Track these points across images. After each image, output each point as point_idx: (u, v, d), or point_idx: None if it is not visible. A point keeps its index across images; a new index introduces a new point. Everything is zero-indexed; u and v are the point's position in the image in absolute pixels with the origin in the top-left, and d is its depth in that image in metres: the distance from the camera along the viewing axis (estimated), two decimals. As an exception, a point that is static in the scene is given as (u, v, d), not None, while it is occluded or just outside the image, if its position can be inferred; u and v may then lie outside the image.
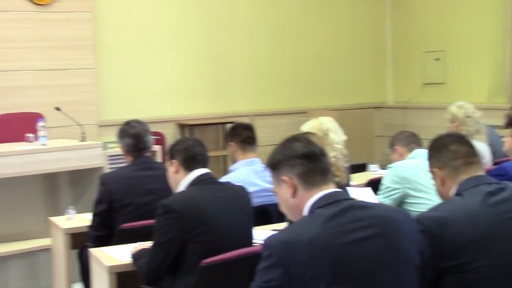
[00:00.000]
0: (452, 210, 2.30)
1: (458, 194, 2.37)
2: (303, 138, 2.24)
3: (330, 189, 2.12)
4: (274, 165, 2.19)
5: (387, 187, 3.75)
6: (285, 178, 2.14)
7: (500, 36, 7.44)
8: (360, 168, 5.90)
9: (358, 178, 5.24)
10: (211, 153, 7.43)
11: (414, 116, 8.47)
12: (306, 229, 1.98)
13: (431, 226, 2.24)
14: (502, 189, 2.34)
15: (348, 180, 4.51)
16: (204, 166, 3.10)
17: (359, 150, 7.66)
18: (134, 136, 3.82)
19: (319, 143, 3.12)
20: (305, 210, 2.10)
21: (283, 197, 2.17)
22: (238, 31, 8.14)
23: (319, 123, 4.32)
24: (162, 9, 7.77)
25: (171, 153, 3.16)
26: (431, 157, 2.56)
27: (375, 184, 4.26)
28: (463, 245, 2.22)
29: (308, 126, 4.32)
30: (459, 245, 2.22)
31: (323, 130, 4.26)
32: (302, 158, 2.13)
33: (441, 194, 2.52)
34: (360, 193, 4.22)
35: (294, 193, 2.13)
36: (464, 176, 2.41)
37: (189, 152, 3.10)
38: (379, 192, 3.85)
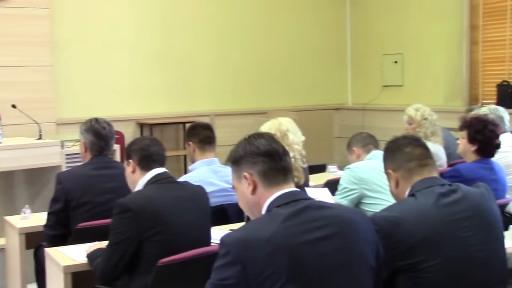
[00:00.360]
0: (405, 210, 2.33)
1: (411, 195, 2.41)
2: (268, 136, 2.22)
3: (290, 188, 2.13)
4: (236, 160, 2.19)
5: (344, 188, 3.78)
6: (246, 174, 2.14)
7: (456, 39, 7.58)
8: (319, 168, 5.95)
9: (317, 178, 5.29)
10: (171, 153, 7.58)
11: (373, 118, 8.57)
12: (264, 227, 1.98)
13: (385, 226, 2.27)
14: (454, 191, 2.39)
15: (307, 180, 4.55)
16: (161, 165, 3.09)
17: (318, 151, 7.72)
18: (102, 138, 3.76)
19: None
20: (264, 209, 2.11)
21: (243, 193, 2.17)
22: (199, 31, 8.12)
23: (278, 124, 4.34)
24: (123, 6, 7.71)
25: (128, 153, 3.13)
26: (386, 159, 2.60)
27: (333, 185, 4.30)
28: (416, 245, 2.26)
29: (267, 127, 4.34)
30: (412, 244, 2.26)
31: (282, 130, 4.29)
32: (264, 156, 2.12)
33: (395, 195, 2.56)
34: (317, 194, 4.26)
35: (254, 190, 2.13)
36: (418, 178, 2.45)
37: (146, 152, 3.08)
38: (336, 193, 3.88)
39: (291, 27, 8.71)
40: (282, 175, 2.13)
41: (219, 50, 8.24)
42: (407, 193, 2.45)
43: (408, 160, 2.49)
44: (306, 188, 4.40)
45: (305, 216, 2.03)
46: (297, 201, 2.08)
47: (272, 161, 2.13)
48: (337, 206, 2.23)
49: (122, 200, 2.87)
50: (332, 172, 5.62)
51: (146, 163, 3.06)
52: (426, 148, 2.55)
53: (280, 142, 2.24)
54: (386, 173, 2.58)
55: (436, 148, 5.30)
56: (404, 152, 2.51)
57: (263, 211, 2.11)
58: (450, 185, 2.42)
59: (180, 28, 8.00)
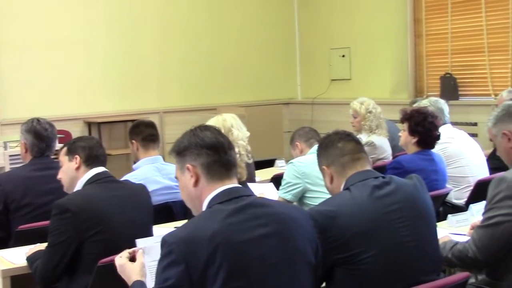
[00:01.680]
0: (340, 204, 2.36)
1: (346, 188, 2.44)
2: (214, 129, 2.21)
3: (232, 184, 2.12)
4: (180, 151, 2.17)
5: (288, 183, 3.81)
6: (189, 166, 2.12)
7: (401, 34, 7.69)
8: (268, 163, 5.98)
9: (265, 173, 5.32)
10: (120, 151, 7.52)
11: (322, 112, 8.65)
12: (206, 225, 1.97)
13: (321, 220, 2.30)
14: (387, 183, 2.43)
15: (252, 176, 4.58)
16: (103, 165, 3.07)
17: (268, 145, 7.76)
18: (43, 139, 3.70)
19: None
20: (205, 204, 2.10)
21: (185, 184, 2.16)
22: (147, 28, 8.06)
23: (222, 120, 4.34)
24: (69, 4, 7.59)
25: (72, 148, 3.06)
26: (320, 156, 2.62)
27: (278, 180, 4.32)
28: (352, 238, 2.29)
29: (211, 123, 4.33)
30: (348, 237, 2.29)
31: (226, 126, 4.29)
32: (209, 149, 2.11)
33: (330, 190, 2.59)
34: (262, 189, 4.28)
35: (196, 183, 2.11)
36: (351, 172, 2.48)
37: (94, 151, 3.04)
38: (280, 188, 3.91)
39: (239, 22, 8.71)
40: (226, 169, 2.12)
41: (167, 47, 8.20)
42: (342, 187, 2.48)
43: (341, 155, 2.52)
44: (252, 184, 4.43)
45: (247, 213, 2.04)
46: (238, 198, 2.08)
47: (216, 155, 2.11)
48: (278, 204, 2.24)
49: (60, 201, 2.83)
50: (280, 166, 5.65)
51: (92, 162, 3.03)
52: (358, 143, 2.58)
53: (227, 136, 2.24)
54: (321, 169, 2.61)
55: (381, 141, 5.39)
56: (336, 147, 2.54)
57: (204, 206, 2.10)
58: (383, 177, 2.46)
59: (127, 25, 7.92)
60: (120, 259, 2.34)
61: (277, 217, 2.09)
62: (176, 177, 2.23)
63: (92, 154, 3.03)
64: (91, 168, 3.01)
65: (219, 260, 1.91)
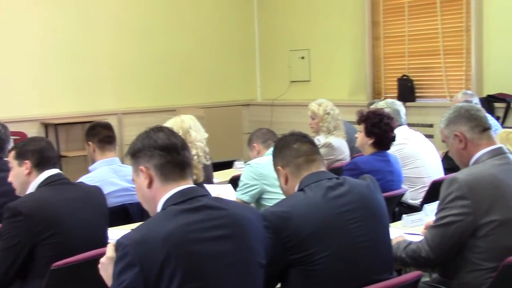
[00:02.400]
0: (294, 205, 2.38)
1: (300, 189, 2.46)
2: (167, 130, 2.21)
3: (187, 185, 2.12)
4: (134, 153, 2.17)
5: (245, 184, 3.82)
6: (142, 168, 2.12)
7: (360, 36, 7.78)
8: (228, 165, 5.99)
9: (223, 175, 5.32)
10: (77, 153, 7.42)
11: (282, 113, 8.69)
12: (160, 226, 1.97)
13: (275, 221, 2.31)
14: (341, 184, 2.45)
15: (210, 177, 4.57)
16: (56, 167, 3.02)
17: (227, 147, 7.76)
18: None
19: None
20: (160, 205, 2.10)
21: (140, 186, 2.16)
22: (105, 29, 7.98)
23: (180, 121, 4.34)
24: (25, 3, 7.46)
25: (21, 152, 3.01)
26: (275, 156, 2.64)
27: (237, 181, 4.32)
28: (305, 238, 2.31)
29: (169, 124, 4.32)
30: (302, 238, 2.31)
31: (184, 128, 4.29)
32: (161, 150, 2.11)
33: (285, 191, 2.61)
34: (220, 190, 4.28)
35: (150, 184, 2.11)
36: (306, 173, 2.49)
37: (45, 154, 2.99)
38: (237, 189, 3.91)
39: (199, 23, 8.69)
40: (179, 170, 2.12)
41: (126, 48, 8.13)
42: (296, 188, 2.49)
43: (296, 156, 2.53)
44: (210, 185, 4.42)
45: (202, 214, 2.04)
46: (193, 199, 2.07)
47: (169, 155, 2.11)
48: (232, 204, 2.24)
49: (12, 203, 2.79)
50: (239, 168, 5.65)
51: (44, 165, 2.98)
52: (313, 144, 2.60)
53: (181, 136, 2.23)
54: (276, 169, 2.62)
55: (339, 142, 5.43)
56: (292, 148, 2.56)
57: (159, 207, 2.10)
58: (337, 178, 2.49)
59: (85, 25, 7.83)
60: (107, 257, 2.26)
61: (232, 218, 2.09)
62: (132, 179, 2.22)
63: (42, 158, 2.98)
64: (43, 171, 2.96)
65: (174, 262, 1.91)
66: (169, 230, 1.95)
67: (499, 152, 2.78)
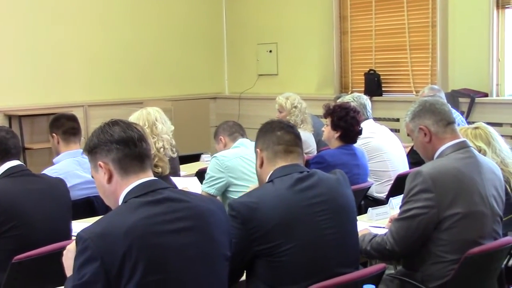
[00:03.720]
0: (262, 195, 2.38)
1: (270, 181, 2.46)
2: (123, 123, 2.18)
3: (148, 177, 2.11)
4: (91, 149, 2.14)
5: (211, 177, 3.80)
6: (100, 163, 2.10)
7: (327, 30, 7.79)
8: (195, 158, 5.97)
9: (190, 168, 5.30)
10: (42, 145, 7.30)
11: (249, 106, 8.68)
12: (121, 219, 1.95)
13: (243, 211, 2.31)
14: (311, 176, 2.46)
15: (177, 170, 4.55)
16: (17, 158, 2.97)
17: (195, 140, 7.73)
18: None
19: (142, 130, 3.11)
20: (121, 199, 2.08)
21: (100, 182, 2.14)
22: (72, 20, 7.85)
23: (146, 113, 4.29)
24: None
25: None
26: (258, 138, 2.63)
27: (203, 174, 4.31)
28: (273, 229, 2.31)
29: (135, 117, 4.28)
30: (269, 229, 2.31)
31: (150, 120, 4.25)
32: (118, 143, 2.09)
33: (258, 174, 2.60)
34: (186, 183, 4.27)
35: (110, 179, 2.09)
36: (281, 162, 2.49)
37: (3, 145, 2.95)
38: (203, 182, 3.90)
39: (167, 15, 8.62)
40: (138, 162, 2.10)
41: (93, 39, 8.02)
42: (268, 176, 2.49)
43: (277, 143, 2.53)
44: (176, 178, 4.40)
45: (164, 207, 2.02)
46: (155, 192, 2.06)
47: (127, 148, 2.09)
48: (195, 196, 2.23)
49: (-29, 196, 2.74)
50: (206, 161, 5.62)
51: (3, 157, 2.93)
52: (298, 137, 2.59)
53: (137, 128, 2.20)
54: (255, 151, 2.61)
55: (306, 136, 5.45)
56: (275, 134, 2.55)
57: (120, 201, 2.08)
58: (308, 171, 2.49)
59: (50, 15, 7.70)
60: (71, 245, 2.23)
61: (195, 210, 2.08)
62: (92, 176, 2.20)
63: (1, 150, 2.92)
64: (3, 162, 2.91)
65: (135, 255, 1.89)
66: (131, 223, 1.93)
67: (462, 146, 2.81)
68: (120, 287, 1.88)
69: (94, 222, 2.02)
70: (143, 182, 2.08)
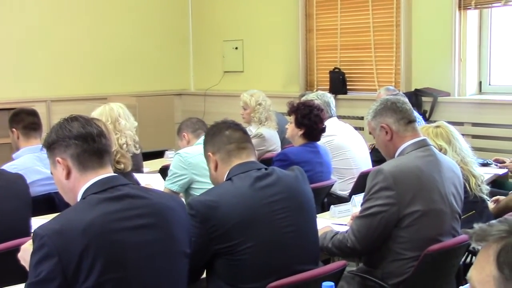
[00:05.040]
0: (222, 194, 2.37)
1: (228, 179, 2.45)
2: (82, 118, 2.16)
3: (107, 173, 2.09)
4: (49, 145, 2.12)
5: (174, 173, 3.78)
6: (59, 159, 2.08)
7: (293, 28, 7.81)
8: (159, 154, 5.94)
9: (154, 164, 5.27)
10: (2, 140, 7.15)
11: (214, 103, 8.66)
12: (80, 216, 1.93)
13: (202, 210, 2.30)
14: (269, 174, 2.46)
15: (140, 166, 4.52)
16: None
17: (159, 136, 7.68)
18: None
19: (104, 128, 3.08)
20: (79, 195, 2.06)
21: (58, 178, 2.12)
22: (34, 14, 7.72)
23: (109, 109, 4.27)
24: None
25: None
26: (206, 143, 2.62)
27: (167, 171, 4.29)
28: (231, 228, 2.30)
29: (97, 113, 4.26)
30: (228, 228, 2.30)
31: (113, 116, 4.23)
32: (77, 139, 2.07)
33: (214, 178, 2.59)
34: (149, 180, 4.24)
35: (68, 175, 2.07)
36: (236, 161, 2.49)
37: None
38: (166, 179, 3.87)
39: (132, 11, 8.54)
40: (97, 158, 2.08)
41: (56, 33, 7.90)
42: (225, 176, 2.48)
43: (228, 142, 2.52)
44: (139, 174, 4.37)
45: (123, 204, 2.01)
46: (114, 188, 2.04)
47: (85, 144, 2.07)
48: (155, 193, 2.22)
49: None
50: (170, 158, 5.59)
51: None
52: (245, 133, 2.60)
53: (97, 124, 2.19)
54: (206, 156, 2.60)
55: (270, 133, 5.46)
56: (223, 135, 2.55)
57: (79, 198, 2.06)
58: (266, 169, 2.49)
59: (13, 8, 7.57)
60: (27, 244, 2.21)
61: (155, 207, 2.07)
62: (51, 172, 2.17)
63: None
64: None
65: (93, 252, 1.87)
66: (89, 219, 1.91)
67: (423, 144, 2.85)
68: (77, 285, 1.86)
69: (52, 219, 1.99)
70: (102, 178, 2.06)
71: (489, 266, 1.00)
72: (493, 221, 1.05)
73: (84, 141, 2.08)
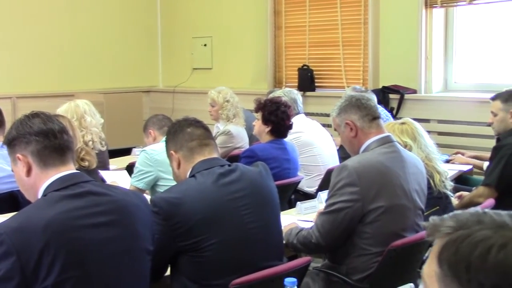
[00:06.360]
0: (185, 191, 2.36)
1: (192, 176, 2.44)
2: (43, 115, 2.13)
3: (69, 170, 2.06)
4: (10, 142, 2.09)
5: (140, 171, 3.76)
6: (19, 155, 2.05)
7: (262, 25, 7.81)
8: (126, 152, 5.90)
9: (121, 161, 5.23)
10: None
11: (183, 100, 8.62)
12: (40, 214, 1.91)
13: (165, 207, 2.29)
14: (233, 170, 2.46)
15: (105, 163, 4.48)
16: None
17: (127, 134, 7.62)
18: None
19: (69, 124, 3.05)
20: (40, 192, 2.03)
21: (19, 176, 2.09)
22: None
23: (75, 106, 4.24)
24: None
25: None
26: (168, 141, 2.61)
27: (133, 168, 4.26)
28: (195, 225, 2.30)
29: (63, 109, 4.22)
30: (192, 225, 2.30)
31: (79, 113, 4.19)
32: (38, 135, 2.04)
33: (177, 176, 2.58)
34: (115, 177, 4.21)
35: (29, 172, 2.05)
36: (199, 157, 2.48)
37: None
38: (132, 176, 3.85)
39: (99, 7, 8.45)
40: (58, 155, 2.06)
41: (22, 29, 7.79)
42: (188, 174, 2.48)
43: (190, 139, 2.52)
44: (105, 171, 4.34)
45: (85, 201, 1.99)
46: (76, 185, 2.02)
47: (46, 140, 2.05)
48: (118, 190, 2.20)
49: None
50: (137, 155, 5.54)
51: None
52: (207, 130, 2.60)
53: (59, 120, 2.16)
54: (168, 154, 2.59)
55: (238, 130, 5.46)
56: (185, 132, 2.54)
57: (40, 195, 2.03)
58: (229, 165, 2.49)
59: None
60: None
61: (117, 204, 2.06)
62: (12, 170, 2.14)
63: None
64: None
65: (54, 250, 1.85)
66: (50, 217, 1.89)
67: (387, 141, 2.87)
68: (37, 283, 1.84)
69: (11, 217, 1.96)
70: (63, 175, 2.04)
71: (433, 261, 1.02)
72: (445, 216, 1.06)
73: (45, 138, 2.05)
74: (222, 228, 2.33)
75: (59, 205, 1.94)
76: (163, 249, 2.28)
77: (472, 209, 1.06)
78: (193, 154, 2.49)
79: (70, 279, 1.88)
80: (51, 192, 2.00)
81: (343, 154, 4.84)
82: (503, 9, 6.18)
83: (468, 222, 1.01)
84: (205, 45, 8.49)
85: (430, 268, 1.02)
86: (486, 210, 1.05)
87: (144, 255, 2.10)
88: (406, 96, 6.47)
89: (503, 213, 1.02)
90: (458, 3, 6.32)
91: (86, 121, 4.17)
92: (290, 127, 4.20)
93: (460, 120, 6.16)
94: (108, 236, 1.98)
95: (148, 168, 3.72)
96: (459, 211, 1.06)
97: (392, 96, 6.57)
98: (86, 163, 3.54)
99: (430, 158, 3.53)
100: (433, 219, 1.07)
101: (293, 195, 4.30)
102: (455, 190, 3.76)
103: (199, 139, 2.51)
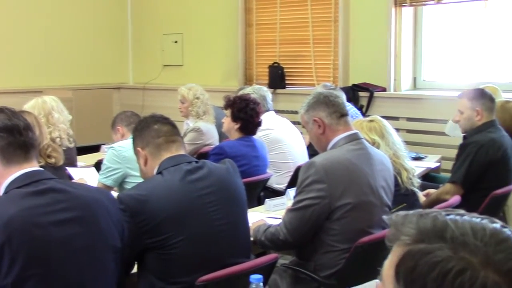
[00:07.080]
0: (152, 188, 2.35)
1: (159, 173, 2.43)
2: (8, 111, 2.11)
3: (31, 167, 2.04)
4: None
5: (108, 167, 3.73)
6: None
7: (233, 22, 7.80)
8: (95, 148, 5.84)
9: (89, 158, 5.18)
10: None
11: (153, 97, 8.57)
12: (1, 211, 1.89)
13: (131, 204, 2.28)
14: (200, 167, 2.45)
15: (73, 160, 4.44)
16: None
17: (97, 130, 7.54)
18: None
19: (35, 121, 3.01)
20: (2, 189, 2.01)
21: None
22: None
23: (42, 102, 4.19)
24: None
25: None
26: (135, 138, 2.60)
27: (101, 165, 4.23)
28: (162, 222, 2.29)
29: (30, 105, 4.17)
30: (158, 222, 2.29)
31: (46, 109, 4.15)
32: (2, 132, 2.02)
33: (144, 173, 2.57)
34: (83, 174, 4.17)
35: None
36: (166, 154, 2.47)
37: None
38: (100, 173, 3.82)
39: (68, 2, 8.36)
40: (22, 151, 2.04)
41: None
42: (155, 170, 2.46)
43: (156, 136, 2.51)
44: (73, 168, 4.29)
45: (47, 197, 1.97)
46: (38, 182, 2.00)
47: (11, 136, 2.03)
48: (81, 187, 2.18)
49: None
50: (106, 152, 5.50)
51: None
52: (174, 126, 2.59)
53: (24, 117, 2.14)
54: (135, 151, 2.58)
55: (208, 127, 5.44)
56: (152, 129, 2.53)
57: (2, 192, 2.01)
58: (196, 162, 2.48)
59: None
60: None
61: (80, 200, 2.04)
62: None
63: None
64: None
65: (15, 247, 1.83)
66: (11, 214, 1.87)
67: (354, 138, 2.88)
68: (-1, 279, 1.82)
69: None
70: (26, 172, 2.02)
71: (391, 268, 1.01)
72: (410, 213, 1.05)
73: (9, 134, 2.03)
74: (189, 225, 2.33)
75: (21, 202, 1.92)
76: (130, 246, 2.26)
77: (436, 212, 1.04)
78: (160, 150, 2.48)
79: (32, 276, 1.86)
80: (13, 189, 1.98)
81: (312, 151, 4.86)
82: (470, 8, 6.26)
83: (429, 234, 0.99)
84: (175, 42, 8.45)
85: (388, 271, 1.02)
86: (450, 217, 1.01)
87: (109, 252, 2.08)
88: (376, 94, 6.51)
89: (466, 223, 0.99)
90: (427, 2, 6.38)
91: (53, 118, 4.13)
92: (259, 124, 4.20)
93: (428, 118, 6.22)
94: (71, 233, 1.97)
95: (116, 165, 3.69)
96: (423, 211, 1.05)
97: (361, 94, 6.61)
98: (53, 160, 3.50)
99: (398, 155, 3.55)
100: (396, 216, 1.07)
101: (262, 192, 4.30)
102: (422, 188, 3.79)
103: (166, 136, 2.50)
